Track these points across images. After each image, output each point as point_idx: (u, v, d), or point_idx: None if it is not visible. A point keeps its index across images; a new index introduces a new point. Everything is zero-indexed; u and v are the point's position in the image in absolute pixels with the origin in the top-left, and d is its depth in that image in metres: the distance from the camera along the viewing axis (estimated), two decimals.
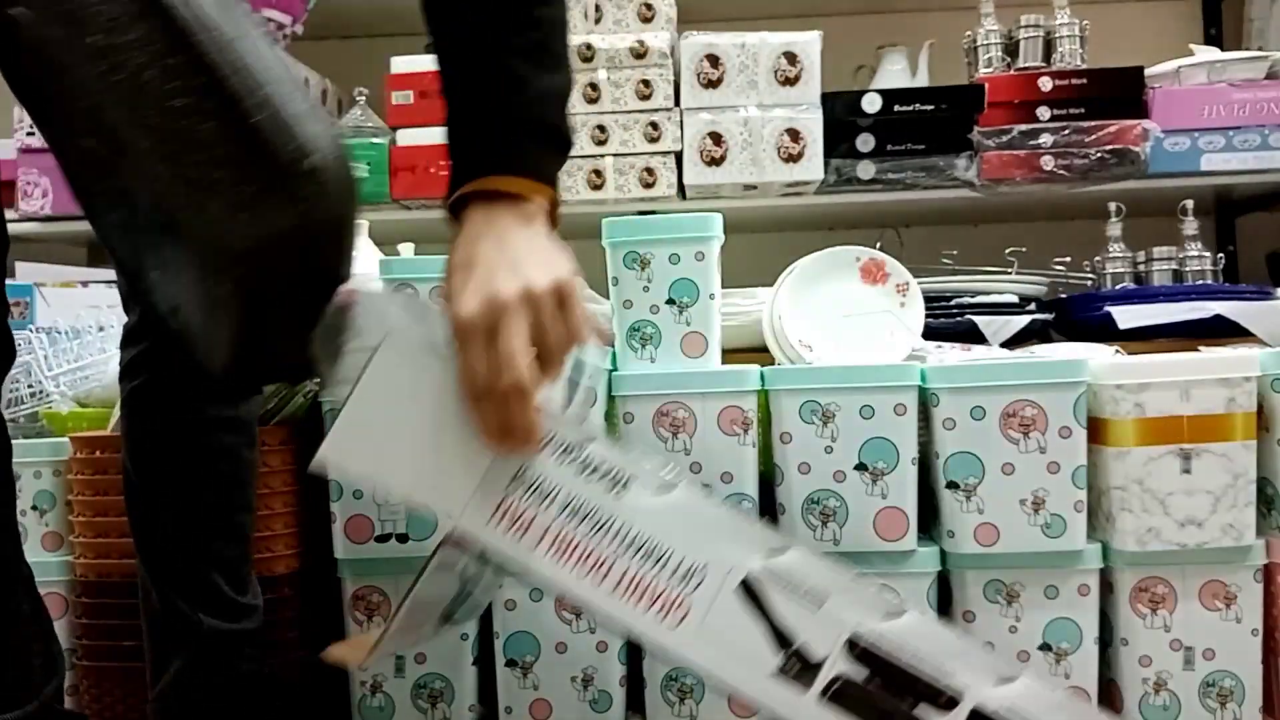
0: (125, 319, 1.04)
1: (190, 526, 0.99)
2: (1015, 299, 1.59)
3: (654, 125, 1.72)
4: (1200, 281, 1.68)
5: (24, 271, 1.69)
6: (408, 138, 1.79)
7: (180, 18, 0.60)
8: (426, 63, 1.79)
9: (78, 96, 0.62)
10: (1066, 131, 1.71)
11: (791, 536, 0.87)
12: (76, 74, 0.61)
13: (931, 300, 1.48)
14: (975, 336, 1.53)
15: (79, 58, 0.60)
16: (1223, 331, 1.48)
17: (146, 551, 1.01)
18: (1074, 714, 0.86)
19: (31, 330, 1.51)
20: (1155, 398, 1.10)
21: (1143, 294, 1.57)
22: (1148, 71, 1.75)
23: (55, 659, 0.86)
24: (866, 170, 1.73)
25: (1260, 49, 1.95)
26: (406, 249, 1.47)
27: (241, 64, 0.61)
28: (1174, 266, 1.71)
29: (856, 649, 0.74)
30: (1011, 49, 1.81)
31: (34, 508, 1.23)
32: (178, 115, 0.60)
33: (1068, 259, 1.74)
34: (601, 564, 0.74)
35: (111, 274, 1.81)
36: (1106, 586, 1.14)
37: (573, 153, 1.75)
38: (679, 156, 1.73)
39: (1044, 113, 1.73)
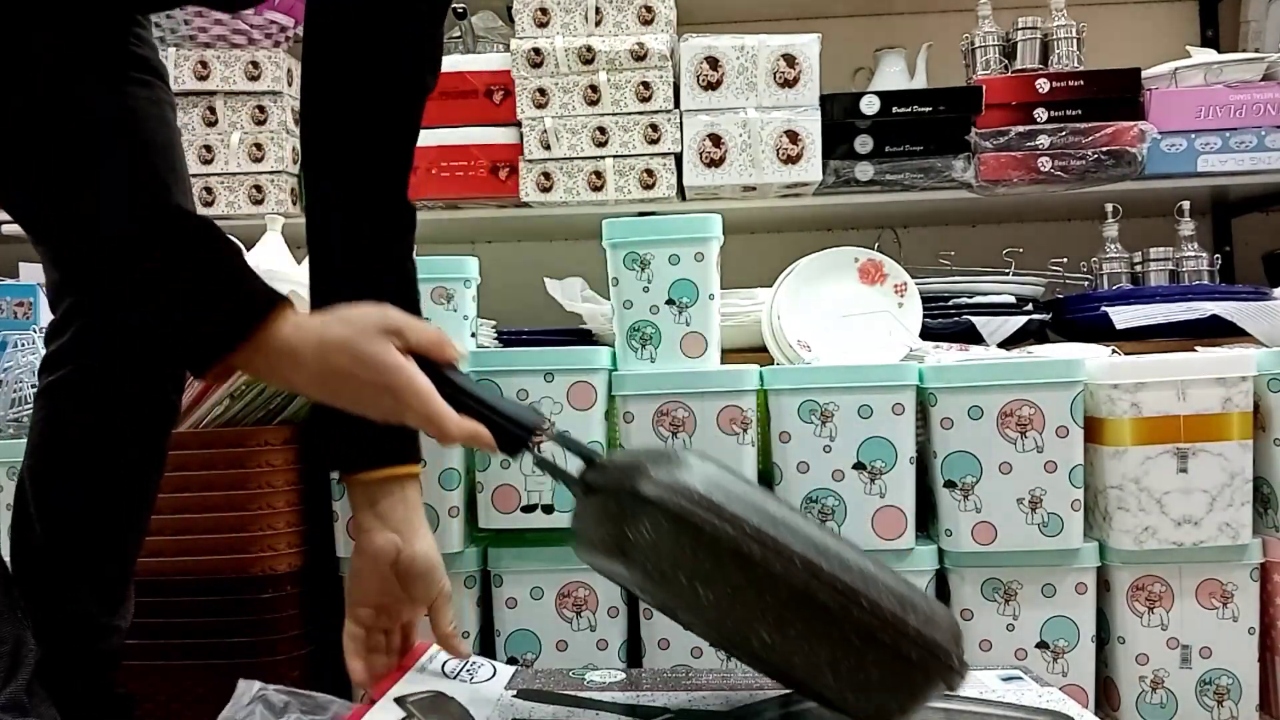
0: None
1: (77, 537, 0.95)
2: (1012, 299, 1.59)
3: (654, 127, 1.73)
4: (1196, 282, 1.68)
5: (28, 272, 1.70)
6: None
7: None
8: None
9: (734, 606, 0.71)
10: (1064, 133, 1.72)
11: None
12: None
13: (929, 300, 1.49)
14: (973, 336, 1.53)
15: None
16: (1219, 332, 1.49)
17: (19, 556, 0.96)
18: None
19: (35, 330, 1.52)
20: (1152, 397, 1.11)
21: (1139, 294, 1.58)
22: (1144, 73, 1.76)
23: (20, 655, 0.83)
24: (865, 171, 1.74)
25: (1257, 50, 1.95)
26: None
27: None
28: (1170, 267, 1.71)
29: None
30: (1009, 51, 1.81)
31: None
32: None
33: (1065, 259, 1.75)
34: None
35: None
36: (1104, 585, 1.15)
37: (574, 154, 1.78)
38: (679, 158, 1.74)
39: (1041, 114, 1.73)
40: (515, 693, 0.93)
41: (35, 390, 1.02)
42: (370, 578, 0.86)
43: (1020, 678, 1.00)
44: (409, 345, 0.78)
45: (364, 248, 0.90)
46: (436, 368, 0.79)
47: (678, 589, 0.72)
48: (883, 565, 0.75)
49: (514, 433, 0.81)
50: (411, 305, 0.90)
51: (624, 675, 0.99)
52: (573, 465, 0.83)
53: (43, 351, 1.00)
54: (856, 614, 0.70)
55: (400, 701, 0.86)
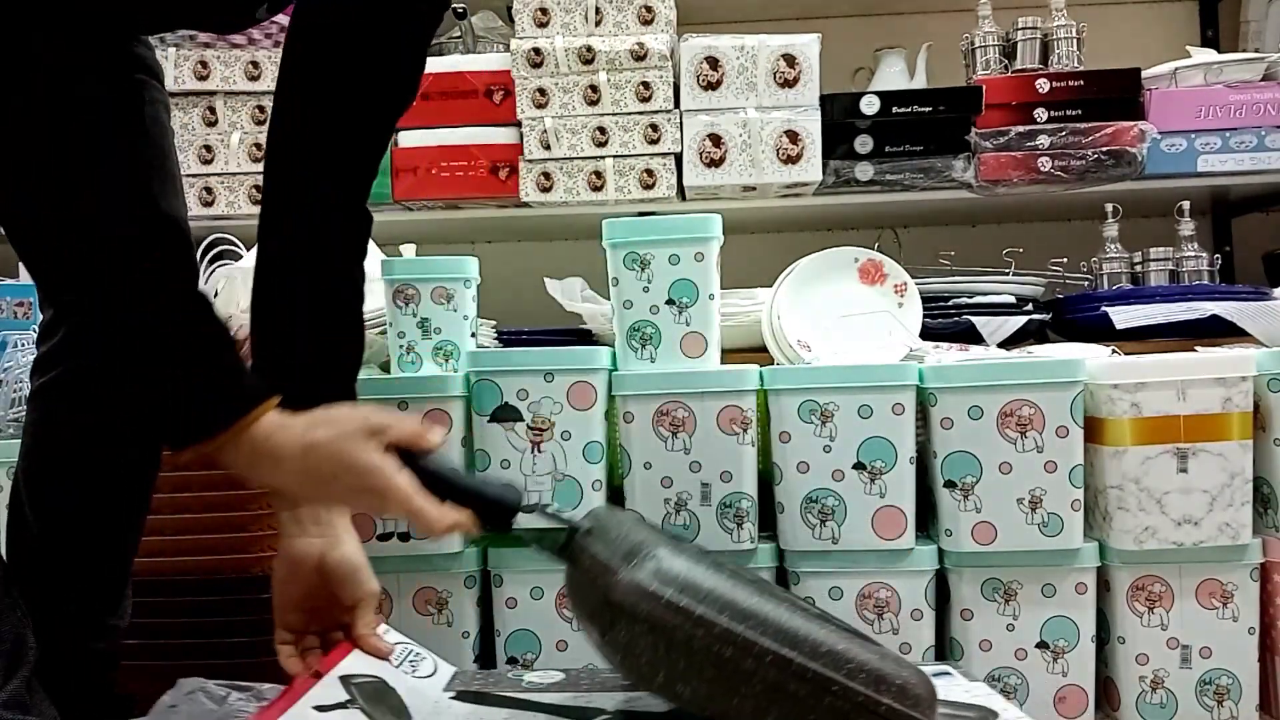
0: None
1: (74, 538, 0.96)
2: (1012, 299, 1.59)
3: (654, 127, 1.73)
4: (1197, 282, 1.68)
5: (28, 272, 1.70)
6: (409, 139, 1.80)
7: None
8: (428, 65, 1.80)
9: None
10: (1063, 133, 1.71)
11: None
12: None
13: (929, 300, 1.49)
14: (973, 337, 1.53)
15: None
16: (1219, 332, 1.49)
17: (16, 557, 0.96)
18: None
19: (35, 330, 1.52)
20: (1152, 397, 1.11)
21: (1139, 294, 1.58)
22: (1144, 73, 1.76)
23: (20, 653, 0.83)
24: (865, 171, 1.74)
25: (1257, 50, 1.95)
26: (408, 250, 1.47)
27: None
28: (1170, 267, 1.71)
29: None
30: (1009, 51, 1.81)
31: None
32: None
33: (1065, 259, 1.75)
34: None
35: None
36: (1104, 585, 1.15)
37: (574, 154, 1.77)
38: (679, 158, 1.74)
39: (1041, 114, 1.73)
40: (453, 694, 0.92)
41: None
42: (294, 583, 0.86)
43: (949, 673, 1.00)
44: (390, 441, 0.78)
45: (359, 247, 0.90)
46: (416, 459, 0.80)
47: (656, 685, 0.76)
48: (855, 638, 0.78)
49: (497, 516, 0.83)
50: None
51: (563, 675, 0.99)
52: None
53: None
54: (829, 701, 0.73)
55: (345, 681, 0.85)
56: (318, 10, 0.87)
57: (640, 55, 1.71)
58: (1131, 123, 1.71)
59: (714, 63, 1.71)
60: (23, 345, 1.43)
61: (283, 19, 1.81)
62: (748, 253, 1.74)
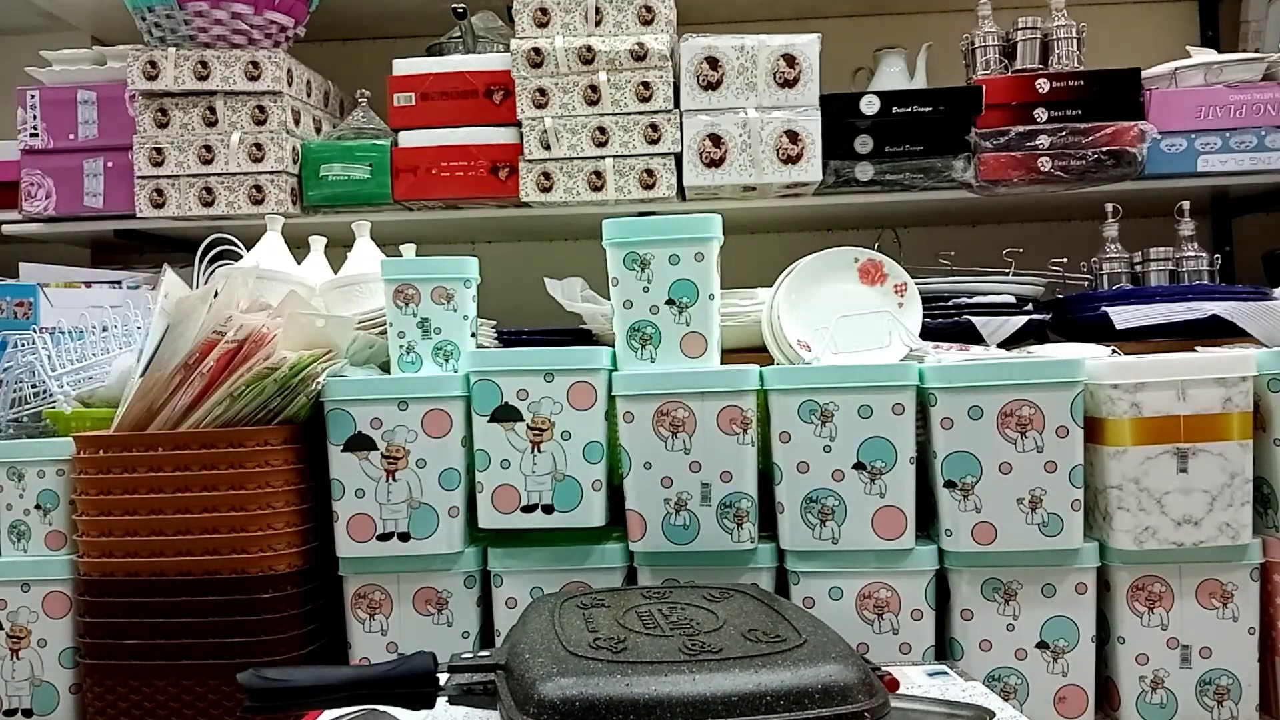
0: (128, 319, 1.02)
1: None
2: (1012, 299, 1.59)
3: (654, 127, 1.73)
4: (1197, 282, 1.68)
5: (27, 272, 1.70)
6: (410, 139, 1.80)
7: None
8: (428, 65, 1.80)
9: None
10: (1064, 133, 1.72)
11: None
12: None
13: (929, 300, 1.49)
14: (973, 336, 1.53)
15: None
16: (1219, 332, 1.49)
17: None
18: None
19: (35, 330, 1.52)
20: (1152, 397, 1.11)
21: (1139, 294, 1.58)
22: (1145, 73, 1.76)
23: None
24: (865, 171, 1.74)
25: (1257, 51, 1.96)
26: (408, 250, 1.48)
27: None
28: (1170, 267, 1.71)
29: None
30: (1009, 51, 1.81)
31: (38, 507, 1.24)
32: None
33: (1065, 259, 1.75)
34: None
35: (114, 274, 1.82)
36: (1104, 585, 1.15)
37: (574, 154, 1.78)
38: (679, 158, 1.74)
39: (1041, 114, 1.73)
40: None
41: (34, 391, 1.02)
42: None
43: (945, 673, 1.01)
44: None
45: None
46: None
47: None
48: (761, 651, 0.79)
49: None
50: None
51: None
52: None
53: (44, 352, 0.99)
54: None
55: None
56: None
57: (640, 55, 1.72)
58: (1131, 123, 1.71)
59: (714, 63, 1.71)
60: (23, 345, 1.43)
61: (282, 18, 1.82)
62: (748, 253, 1.74)
